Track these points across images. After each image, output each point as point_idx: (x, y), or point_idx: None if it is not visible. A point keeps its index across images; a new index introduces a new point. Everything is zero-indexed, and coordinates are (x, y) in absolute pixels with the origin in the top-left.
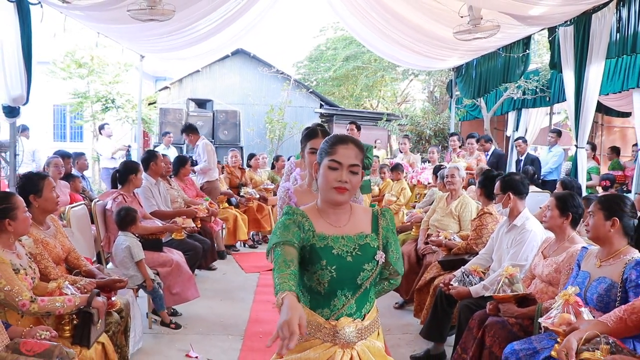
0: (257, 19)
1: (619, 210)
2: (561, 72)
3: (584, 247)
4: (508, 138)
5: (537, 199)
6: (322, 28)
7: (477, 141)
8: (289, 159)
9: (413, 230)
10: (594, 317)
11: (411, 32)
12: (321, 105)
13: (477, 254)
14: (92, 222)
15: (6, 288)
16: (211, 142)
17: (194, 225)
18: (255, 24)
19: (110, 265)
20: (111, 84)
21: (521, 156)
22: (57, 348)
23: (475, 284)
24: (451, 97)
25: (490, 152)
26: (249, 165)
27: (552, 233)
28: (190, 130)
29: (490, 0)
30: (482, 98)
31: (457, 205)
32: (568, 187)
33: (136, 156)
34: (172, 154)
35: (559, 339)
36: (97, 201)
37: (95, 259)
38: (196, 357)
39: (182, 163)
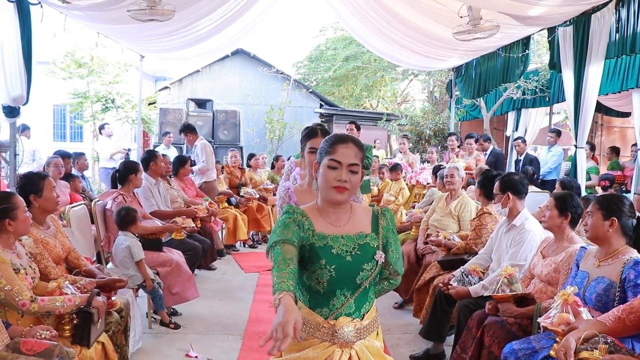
0: (257, 19)
1: (618, 210)
2: (560, 72)
3: (582, 247)
4: (508, 138)
5: (537, 199)
6: (322, 28)
7: (476, 141)
8: (288, 159)
9: (412, 230)
10: (592, 316)
11: (411, 32)
12: (321, 105)
13: (476, 253)
14: (92, 222)
15: (6, 288)
16: (211, 142)
17: (194, 225)
18: (255, 24)
19: (110, 265)
20: (111, 84)
21: (520, 156)
22: (57, 347)
23: (475, 283)
24: (451, 97)
25: (488, 152)
26: (248, 165)
27: (551, 233)
28: (188, 130)
29: (490, 1)
30: (481, 98)
31: (457, 205)
32: (567, 187)
33: (136, 156)
34: (172, 154)
35: (557, 339)
36: (97, 201)
37: (95, 258)
38: (196, 357)
39: (181, 163)
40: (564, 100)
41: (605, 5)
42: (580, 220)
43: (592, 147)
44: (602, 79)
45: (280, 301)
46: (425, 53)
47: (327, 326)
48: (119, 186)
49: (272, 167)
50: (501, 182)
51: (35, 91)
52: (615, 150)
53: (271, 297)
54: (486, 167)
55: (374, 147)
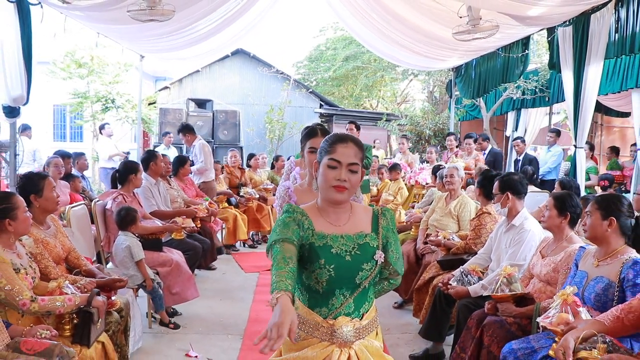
0: (257, 19)
1: (616, 210)
2: (560, 72)
3: (581, 246)
4: (508, 138)
5: (536, 198)
6: (321, 28)
7: (475, 141)
8: (288, 159)
9: (412, 230)
10: (591, 316)
11: (410, 32)
12: (321, 105)
13: (475, 253)
14: (92, 222)
15: (7, 287)
16: (211, 142)
17: (194, 225)
18: (255, 24)
19: (110, 265)
20: (111, 84)
21: (519, 156)
22: (58, 347)
23: (474, 283)
24: (450, 97)
25: (487, 151)
26: (248, 165)
27: (550, 233)
28: (187, 130)
29: (489, 1)
30: (481, 98)
31: (456, 205)
32: (566, 187)
33: (136, 156)
34: (172, 154)
35: (556, 339)
36: (97, 201)
37: (95, 258)
38: (196, 357)
39: (181, 163)
40: (563, 100)
41: (604, 5)
42: (580, 220)
43: (591, 147)
44: (602, 79)
45: (277, 301)
46: (425, 53)
47: (326, 326)
48: (119, 186)
49: (272, 167)
50: (500, 182)
51: (35, 91)
52: (614, 150)
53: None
54: (486, 167)
55: (374, 147)
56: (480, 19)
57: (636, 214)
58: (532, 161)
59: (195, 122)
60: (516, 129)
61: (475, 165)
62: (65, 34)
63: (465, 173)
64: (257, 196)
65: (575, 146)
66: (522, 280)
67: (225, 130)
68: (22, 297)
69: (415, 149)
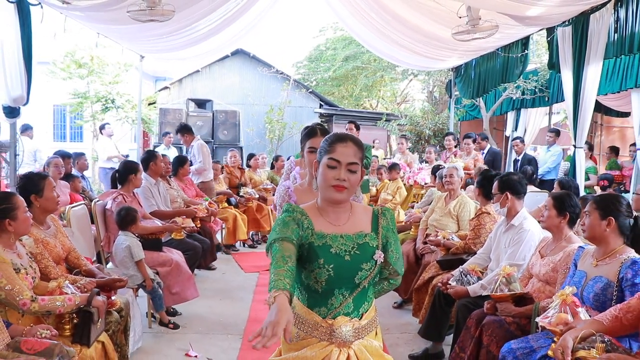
0: (256, 19)
1: (615, 209)
2: (559, 72)
3: (580, 246)
4: (507, 138)
5: (536, 198)
6: (321, 28)
7: (474, 141)
8: (288, 159)
9: (412, 230)
10: (590, 316)
11: (410, 32)
12: (321, 105)
13: (475, 253)
14: (92, 222)
15: (7, 287)
16: (211, 142)
17: (194, 225)
18: (255, 24)
19: (110, 264)
20: (111, 84)
21: (518, 156)
22: (58, 347)
23: (473, 283)
24: (450, 97)
25: (486, 150)
26: (248, 165)
27: (550, 232)
28: (185, 130)
29: (489, 1)
30: (481, 98)
31: (456, 205)
32: (565, 187)
33: (136, 156)
34: (172, 154)
35: (555, 339)
36: (97, 201)
37: (95, 258)
38: (196, 356)
39: (181, 163)
40: (563, 100)
41: (604, 5)
42: (578, 220)
43: (590, 147)
44: (601, 79)
45: (275, 300)
46: (425, 53)
47: (325, 325)
48: (119, 186)
49: (272, 167)
50: (500, 182)
51: (35, 91)
52: (614, 150)
53: None
54: (485, 167)
55: (373, 147)
56: (480, 19)
57: (635, 213)
58: (531, 161)
59: (195, 122)
60: (516, 129)
61: (475, 166)
62: (65, 34)
63: (465, 173)
64: (257, 196)
65: (574, 146)
66: (521, 280)
67: (225, 130)
68: (23, 296)
69: (415, 149)
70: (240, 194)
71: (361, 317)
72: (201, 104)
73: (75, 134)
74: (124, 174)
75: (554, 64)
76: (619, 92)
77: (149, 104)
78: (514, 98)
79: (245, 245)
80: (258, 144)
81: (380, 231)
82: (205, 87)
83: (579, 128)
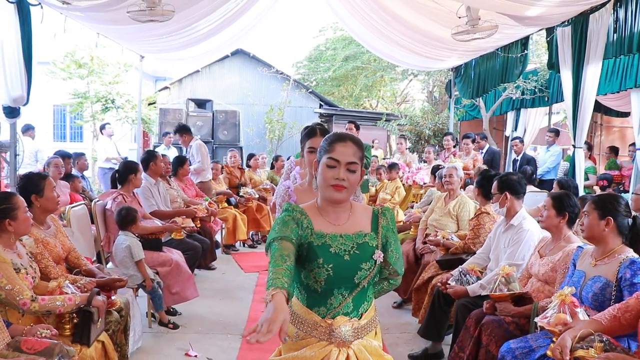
0: (256, 19)
1: (613, 209)
2: (559, 73)
3: (579, 246)
4: (507, 138)
5: (536, 198)
6: (321, 28)
7: (473, 141)
8: (288, 159)
9: (411, 229)
10: (589, 316)
11: (410, 32)
12: (320, 106)
13: (474, 253)
14: (92, 222)
15: (7, 287)
16: (210, 142)
17: (194, 225)
18: (254, 24)
19: (110, 264)
20: (111, 84)
21: (517, 156)
22: (58, 346)
23: (473, 283)
24: (450, 97)
25: (484, 150)
26: (248, 165)
27: (549, 232)
28: (183, 130)
29: (488, 1)
30: (480, 98)
31: (455, 205)
32: (564, 187)
33: (136, 156)
34: (172, 154)
35: (554, 338)
36: (97, 201)
37: (95, 258)
38: (195, 356)
39: (180, 163)
40: (563, 100)
41: (603, 5)
42: (577, 220)
43: (589, 147)
44: (601, 79)
45: (272, 297)
46: (424, 53)
47: (324, 325)
48: (119, 186)
49: (272, 167)
50: (499, 181)
51: (35, 91)
52: (614, 150)
53: None
54: (485, 167)
55: (372, 147)
56: (479, 19)
57: (634, 213)
58: (530, 161)
59: (195, 122)
60: (515, 129)
61: (474, 166)
62: (65, 34)
63: (464, 173)
64: (257, 196)
65: (574, 146)
66: (520, 280)
67: (225, 131)
68: (23, 296)
69: (415, 149)
70: (240, 194)
71: (360, 317)
72: (201, 104)
73: (75, 134)
74: (123, 174)
75: (553, 64)
76: (618, 92)
77: (149, 104)
78: (514, 98)
79: (245, 245)
80: (258, 144)
81: (380, 231)
82: (205, 87)
83: (578, 128)
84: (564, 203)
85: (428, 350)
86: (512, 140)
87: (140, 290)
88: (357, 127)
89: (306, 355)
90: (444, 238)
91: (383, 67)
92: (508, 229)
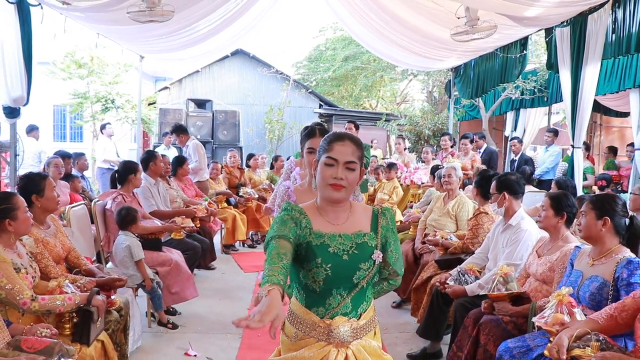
0: (256, 20)
1: (610, 209)
2: (558, 73)
3: (577, 246)
4: (507, 138)
5: (535, 198)
6: (321, 28)
7: (471, 142)
8: (288, 159)
9: (411, 229)
10: (586, 315)
11: (409, 33)
12: (320, 106)
13: (473, 253)
14: (92, 222)
15: (7, 287)
16: (210, 142)
17: (193, 225)
18: (254, 24)
19: (110, 264)
20: (111, 84)
21: (516, 156)
22: (58, 345)
23: (471, 282)
24: (450, 97)
25: (482, 150)
26: (248, 165)
27: (547, 232)
28: (180, 130)
29: (487, 2)
30: (480, 98)
31: (454, 205)
32: (563, 187)
33: (136, 156)
34: (172, 154)
35: (551, 338)
36: (97, 201)
37: (95, 258)
38: (195, 356)
39: (180, 163)
40: (562, 100)
41: (601, 6)
42: (575, 219)
43: (587, 147)
44: (600, 80)
45: (268, 293)
46: (424, 53)
47: (323, 325)
48: (119, 186)
49: (272, 167)
50: (498, 181)
51: (35, 92)
52: (612, 150)
53: None
54: (484, 167)
55: (371, 146)
56: (478, 19)
57: (631, 213)
58: (528, 161)
59: (194, 123)
60: (515, 129)
61: (472, 166)
62: (65, 35)
63: (462, 174)
64: (257, 196)
65: (572, 146)
66: (518, 280)
67: (225, 131)
68: (23, 296)
69: (415, 149)
70: (240, 194)
71: (359, 317)
72: (201, 104)
73: (75, 134)
74: (123, 174)
75: (552, 65)
76: (617, 92)
77: (149, 104)
78: (513, 98)
79: (245, 245)
80: (258, 144)
81: (379, 231)
82: (205, 87)
83: (577, 128)
84: (562, 203)
85: (427, 350)
86: (510, 141)
87: (140, 290)
88: (357, 127)
89: (305, 355)
90: (442, 238)
91: (383, 67)
92: (506, 229)
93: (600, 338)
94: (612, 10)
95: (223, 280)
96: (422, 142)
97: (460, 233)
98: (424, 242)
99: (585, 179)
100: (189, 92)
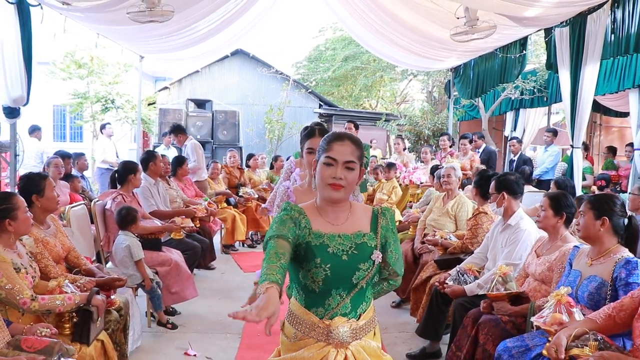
0: (256, 20)
1: (609, 209)
2: (557, 73)
3: (575, 246)
4: (507, 138)
5: (534, 198)
6: (321, 28)
7: (470, 142)
8: (288, 159)
9: (410, 229)
10: (584, 315)
11: (409, 33)
12: (320, 106)
13: (472, 253)
14: (92, 222)
15: (7, 286)
16: (210, 142)
17: (193, 225)
18: (254, 24)
19: (109, 264)
20: (111, 84)
21: (514, 156)
22: (58, 345)
23: (470, 282)
24: (449, 97)
25: (481, 149)
26: (247, 166)
27: (546, 232)
28: (178, 130)
29: (486, 2)
30: (479, 98)
31: (454, 205)
32: (562, 187)
33: (135, 156)
34: (171, 154)
35: (550, 338)
36: (97, 201)
37: (94, 258)
38: (194, 355)
39: (179, 163)
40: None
41: (600, 6)
42: (574, 219)
43: (586, 147)
44: (599, 80)
45: (266, 291)
46: (424, 54)
47: (322, 326)
48: (118, 186)
49: (271, 167)
50: (497, 181)
51: (35, 92)
52: (611, 150)
53: None
54: (483, 167)
55: (371, 146)
56: (478, 19)
57: (630, 213)
58: (527, 161)
59: (194, 123)
60: (515, 129)
61: (471, 166)
62: (65, 35)
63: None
64: (256, 196)
65: (572, 146)
66: (517, 279)
67: (225, 131)
68: (23, 295)
69: (415, 149)
70: (240, 194)
71: (359, 318)
72: (201, 104)
73: (75, 134)
74: (123, 174)
75: (551, 65)
76: (616, 92)
77: (149, 104)
78: (513, 98)
79: (245, 245)
80: (257, 144)
81: (379, 231)
82: (204, 88)
83: (576, 128)
84: (561, 203)
85: (426, 350)
86: (509, 141)
87: (140, 290)
88: (357, 127)
89: (304, 356)
90: (442, 238)
91: (382, 67)
92: (505, 229)
93: (599, 337)
94: (611, 11)
95: (223, 280)
96: (422, 142)
97: (459, 233)
98: (423, 242)
99: (584, 179)
100: (189, 92)
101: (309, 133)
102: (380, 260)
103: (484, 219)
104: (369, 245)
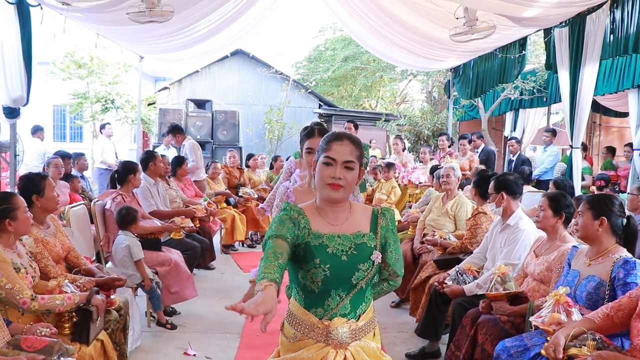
0: (256, 20)
1: (607, 209)
2: (556, 73)
3: (574, 246)
4: (506, 138)
5: (534, 199)
6: (321, 29)
7: (469, 142)
8: (287, 159)
9: (409, 229)
10: (583, 315)
11: (408, 33)
12: (320, 106)
13: (471, 253)
14: (92, 222)
15: (7, 286)
16: (210, 142)
17: (193, 225)
18: (254, 24)
19: (109, 264)
20: (111, 84)
21: (513, 156)
22: (57, 344)
23: (469, 282)
24: (449, 97)
25: (480, 149)
26: (247, 166)
27: (544, 232)
28: (176, 130)
29: (485, 2)
30: (479, 98)
31: (453, 205)
32: (561, 187)
33: (135, 157)
34: (171, 154)
35: (548, 338)
36: (97, 201)
37: (94, 258)
38: (194, 355)
39: (179, 163)
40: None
41: (600, 6)
42: (573, 220)
43: (585, 148)
44: (599, 80)
45: (265, 288)
46: (423, 54)
47: (322, 327)
48: (118, 186)
49: (271, 167)
50: (496, 181)
51: (35, 92)
52: (611, 150)
53: None
54: (482, 167)
55: (370, 146)
56: (477, 20)
57: (628, 213)
58: (525, 161)
59: (194, 123)
60: (514, 129)
61: (470, 167)
62: (64, 35)
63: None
64: (256, 196)
65: (571, 146)
66: (516, 279)
67: (225, 131)
68: (23, 295)
69: (414, 149)
70: (239, 194)
71: (358, 319)
72: (201, 104)
73: (75, 134)
74: (123, 174)
75: (551, 65)
76: (616, 92)
77: (149, 104)
78: (513, 98)
79: (244, 245)
80: (257, 144)
81: (379, 231)
82: (204, 88)
83: (575, 128)
84: (560, 203)
85: (425, 349)
86: (508, 141)
87: (140, 290)
88: (356, 127)
89: (303, 356)
90: (441, 238)
91: (382, 67)
92: (504, 229)
93: (597, 337)
94: (610, 11)
95: (222, 280)
96: (422, 142)
97: (458, 233)
98: (422, 242)
99: (582, 179)
100: (189, 92)
101: (308, 133)
102: (380, 261)
103: (483, 219)
104: (369, 246)
